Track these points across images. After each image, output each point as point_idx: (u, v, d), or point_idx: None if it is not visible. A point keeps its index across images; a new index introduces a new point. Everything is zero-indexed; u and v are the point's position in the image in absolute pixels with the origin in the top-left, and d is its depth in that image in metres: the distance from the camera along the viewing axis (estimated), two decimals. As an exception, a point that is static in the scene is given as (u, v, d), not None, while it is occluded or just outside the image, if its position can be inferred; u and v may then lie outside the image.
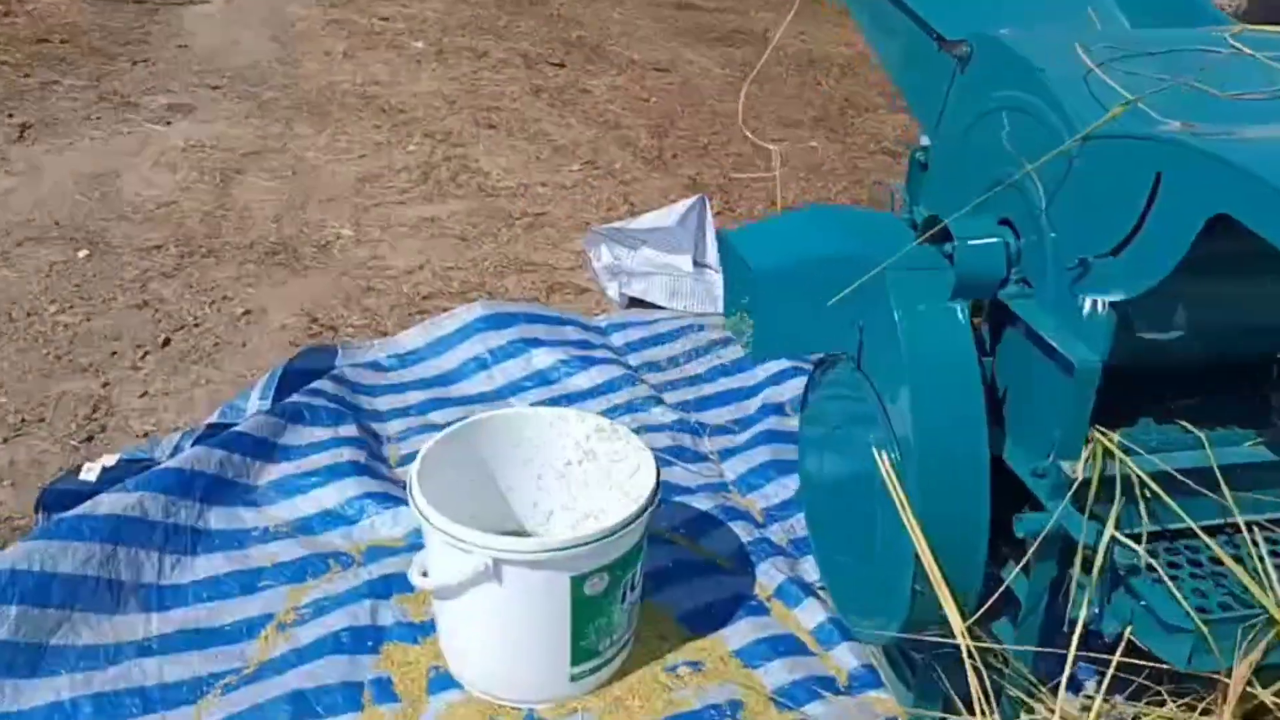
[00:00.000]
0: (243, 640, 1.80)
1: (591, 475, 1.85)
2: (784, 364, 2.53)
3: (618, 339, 2.72)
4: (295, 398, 2.28)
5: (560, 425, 1.85)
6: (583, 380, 2.49)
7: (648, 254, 2.97)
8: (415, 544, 1.98)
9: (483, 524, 1.86)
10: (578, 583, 1.57)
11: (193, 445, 2.09)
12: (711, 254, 2.96)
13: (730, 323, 1.60)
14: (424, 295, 2.95)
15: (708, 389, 2.51)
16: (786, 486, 2.15)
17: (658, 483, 1.65)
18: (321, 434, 2.23)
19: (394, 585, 1.89)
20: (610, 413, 2.38)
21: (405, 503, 2.05)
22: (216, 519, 2.00)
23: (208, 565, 1.92)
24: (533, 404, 2.43)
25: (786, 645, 1.80)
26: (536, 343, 2.58)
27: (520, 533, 1.92)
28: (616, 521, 1.55)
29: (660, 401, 2.41)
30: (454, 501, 1.73)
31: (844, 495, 1.54)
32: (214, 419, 2.22)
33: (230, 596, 1.87)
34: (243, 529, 2.01)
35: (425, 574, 1.63)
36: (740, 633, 1.82)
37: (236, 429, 2.14)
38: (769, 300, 1.45)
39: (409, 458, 2.26)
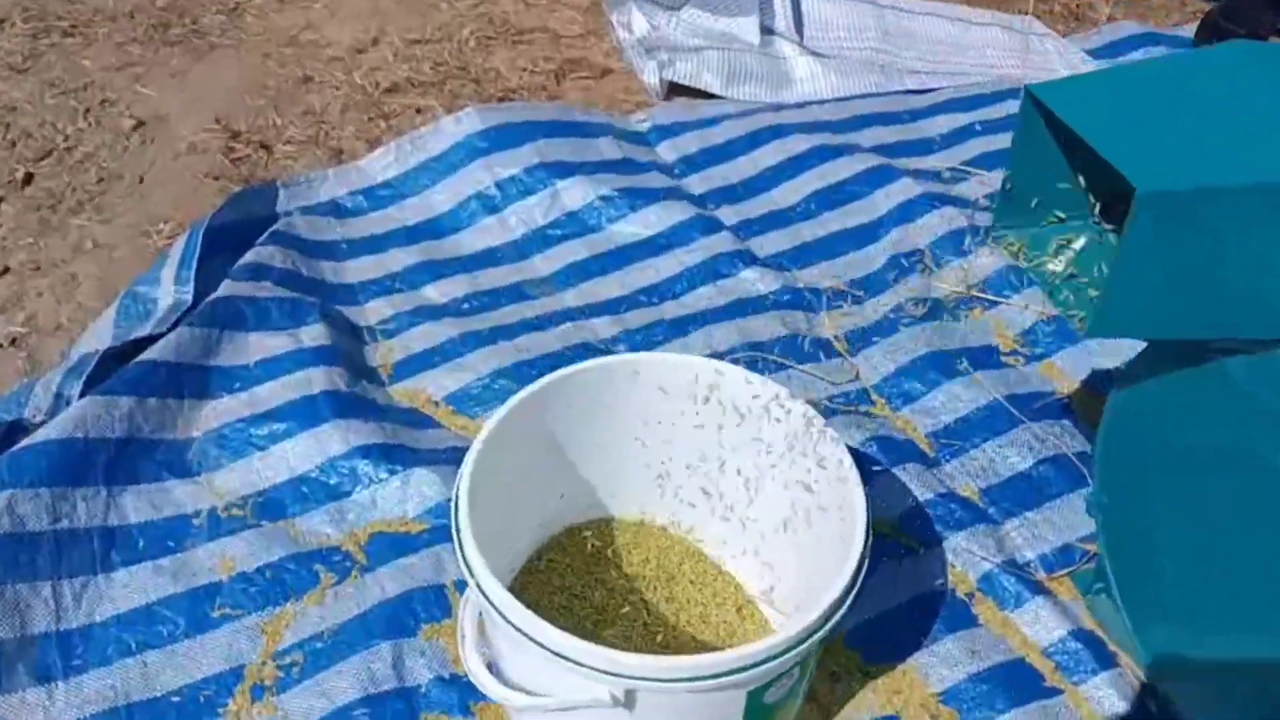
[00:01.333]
0: (201, 721, 1.18)
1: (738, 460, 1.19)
2: (906, 183, 1.82)
3: (667, 151, 1.96)
4: (230, 287, 1.55)
5: (684, 381, 1.16)
6: (636, 225, 1.77)
7: (695, 19, 2.15)
8: (440, 526, 1.34)
9: (547, 516, 1.23)
10: (755, 695, 0.95)
11: (81, 394, 1.37)
12: (783, 17, 2.14)
13: (1010, 245, 0.89)
14: (386, 88, 2.12)
15: (807, 231, 1.80)
16: (958, 398, 1.51)
17: (869, 522, 0.99)
18: (275, 343, 1.51)
19: (418, 606, 1.25)
20: (686, 278, 1.69)
21: (417, 459, 1.39)
22: (136, 506, 1.33)
23: (131, 586, 1.26)
24: (570, 264, 1.72)
25: (1019, 681, 1.22)
26: (562, 169, 1.82)
27: (604, 520, 1.28)
28: (816, 616, 0.91)
29: (752, 259, 1.71)
30: (515, 512, 1.09)
31: (1248, 565, 0.91)
32: (109, 338, 1.48)
33: (173, 639, 1.23)
34: (178, 515, 1.34)
35: (503, 678, 0.99)
36: (944, 660, 1.24)
37: (147, 358, 1.41)
38: (1153, 245, 0.75)
39: (407, 365, 1.57)
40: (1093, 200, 0.90)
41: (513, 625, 0.90)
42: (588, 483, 1.24)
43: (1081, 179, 0.89)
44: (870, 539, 0.99)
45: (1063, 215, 0.91)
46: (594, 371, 1.13)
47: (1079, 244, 0.90)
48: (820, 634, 0.91)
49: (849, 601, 0.94)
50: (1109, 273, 0.77)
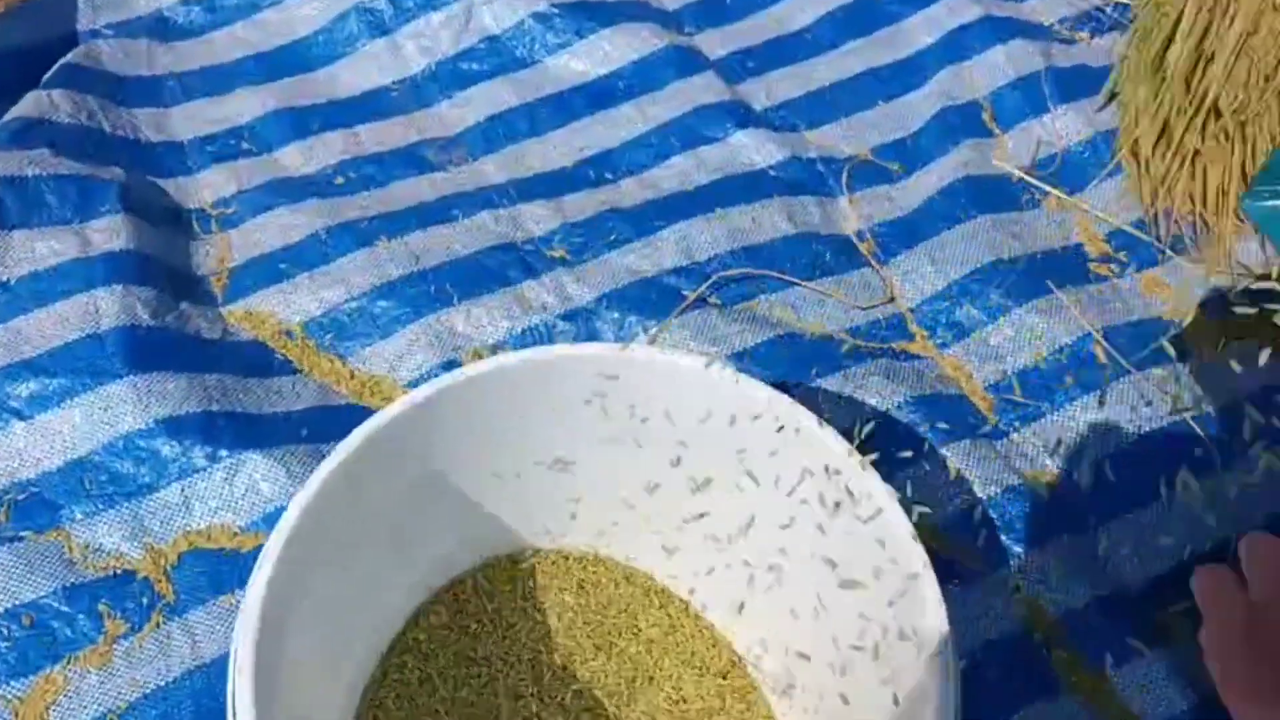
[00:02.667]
0: None
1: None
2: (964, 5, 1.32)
3: (630, -56, 1.43)
4: (-23, 158, 1.05)
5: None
6: (584, 59, 1.26)
7: None
8: (267, 532, 0.92)
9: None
10: None
11: None
12: None
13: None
14: None
15: (823, 69, 1.30)
16: (1031, 331, 1.07)
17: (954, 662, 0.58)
18: (50, 248, 1.04)
19: (252, 672, 0.85)
20: (654, 143, 1.20)
21: (254, 435, 0.96)
22: None
23: None
24: (490, 118, 1.22)
25: (1120, 791, 0.85)
26: (480, -30, 1.30)
27: (531, 550, 0.86)
28: None
29: (748, 114, 1.22)
30: (383, 566, 0.68)
31: None
32: None
33: (-120, 726, 0.83)
34: (-106, 524, 0.91)
35: None
36: (1016, 753, 0.86)
37: None
38: None
39: (251, 272, 1.10)
40: None
41: None
42: (495, 514, 0.81)
43: None
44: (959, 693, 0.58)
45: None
46: (515, 372, 0.68)
47: None
48: None
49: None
50: None
